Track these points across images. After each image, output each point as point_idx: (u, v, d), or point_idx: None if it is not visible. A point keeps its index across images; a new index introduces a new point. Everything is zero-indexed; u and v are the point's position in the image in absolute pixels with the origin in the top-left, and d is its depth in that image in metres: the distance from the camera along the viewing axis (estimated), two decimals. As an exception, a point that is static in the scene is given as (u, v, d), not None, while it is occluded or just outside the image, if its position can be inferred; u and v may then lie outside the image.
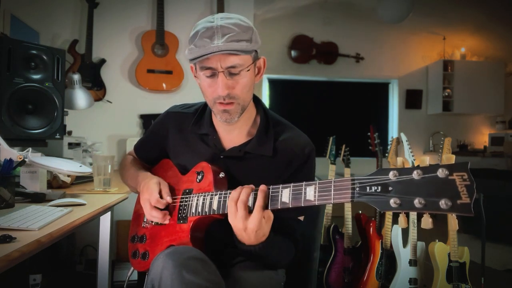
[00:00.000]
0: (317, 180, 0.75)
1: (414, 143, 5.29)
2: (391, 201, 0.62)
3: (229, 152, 1.05)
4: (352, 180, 0.68)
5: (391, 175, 0.63)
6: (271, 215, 0.85)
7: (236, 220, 0.84)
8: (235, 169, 1.02)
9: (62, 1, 2.95)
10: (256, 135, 1.05)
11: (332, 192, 0.71)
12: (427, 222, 0.66)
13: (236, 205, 0.83)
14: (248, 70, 0.97)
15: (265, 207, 0.82)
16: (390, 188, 0.63)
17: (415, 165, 2.12)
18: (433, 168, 0.60)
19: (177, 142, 1.13)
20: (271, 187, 0.83)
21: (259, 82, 5.33)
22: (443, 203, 0.57)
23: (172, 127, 1.14)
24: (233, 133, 1.07)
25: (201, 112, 1.13)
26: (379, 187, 0.64)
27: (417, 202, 0.60)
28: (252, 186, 0.85)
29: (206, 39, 0.92)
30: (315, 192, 0.73)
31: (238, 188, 0.85)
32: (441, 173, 0.59)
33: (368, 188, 0.65)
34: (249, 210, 0.83)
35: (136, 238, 1.09)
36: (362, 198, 0.66)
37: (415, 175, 0.61)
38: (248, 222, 0.82)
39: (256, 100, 1.12)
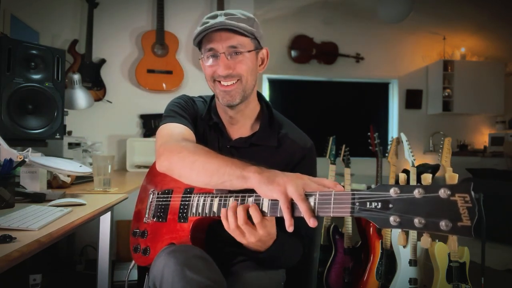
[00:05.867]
0: (317, 192, 0.73)
1: (414, 143, 5.28)
2: (391, 218, 0.61)
3: (235, 142, 1.09)
4: (353, 194, 0.67)
5: (392, 191, 0.62)
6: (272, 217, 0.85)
7: (246, 239, 0.83)
8: (240, 159, 1.02)
9: (62, 1, 2.95)
10: (260, 128, 1.09)
11: (332, 205, 0.70)
12: (426, 241, 0.65)
13: (239, 228, 0.81)
14: (250, 52, 1.02)
15: (263, 216, 0.80)
16: (390, 205, 0.62)
17: (415, 165, 2.14)
18: (435, 187, 0.59)
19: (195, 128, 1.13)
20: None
21: (259, 82, 5.34)
22: (443, 224, 0.57)
23: (196, 108, 1.15)
24: (237, 124, 1.11)
25: (210, 102, 1.16)
26: (380, 204, 0.63)
27: (417, 221, 0.59)
28: (245, 205, 0.81)
29: (209, 19, 1.01)
30: (315, 204, 0.72)
31: (231, 211, 0.82)
32: (442, 193, 0.58)
33: (368, 203, 0.65)
34: (252, 222, 0.82)
35: (137, 233, 1.09)
36: (361, 213, 0.66)
37: (416, 193, 0.60)
38: (258, 232, 0.81)
39: (259, 96, 1.16)
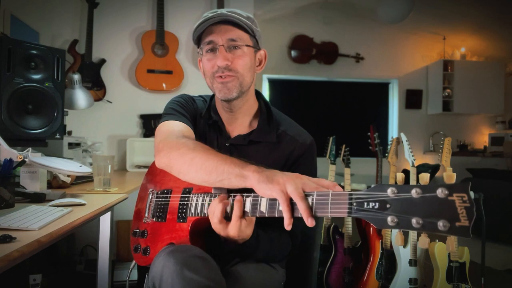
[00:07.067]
0: (315, 192, 0.72)
1: (414, 143, 5.29)
2: (389, 219, 0.61)
3: (234, 140, 1.10)
4: (350, 194, 0.67)
5: (389, 191, 0.62)
6: (253, 219, 0.86)
7: (216, 229, 0.85)
8: (239, 157, 1.02)
9: (62, 1, 2.95)
10: (259, 126, 1.10)
11: (330, 205, 0.69)
12: (424, 241, 0.64)
13: (213, 217, 0.84)
14: (248, 48, 1.04)
15: (243, 215, 0.82)
16: (388, 206, 0.61)
17: (415, 165, 2.13)
18: (433, 187, 0.58)
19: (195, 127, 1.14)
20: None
21: (259, 82, 5.35)
22: (441, 224, 0.56)
23: (196, 107, 1.17)
24: (236, 122, 1.12)
25: (210, 101, 1.18)
26: (377, 204, 0.62)
27: (414, 222, 0.58)
28: (227, 201, 0.84)
29: (209, 13, 1.03)
30: (312, 204, 0.72)
31: (216, 200, 0.85)
32: (440, 193, 0.57)
33: (365, 204, 0.64)
34: (229, 219, 0.84)
35: (137, 233, 1.09)
36: (359, 213, 0.65)
37: (414, 193, 0.59)
38: (228, 231, 0.83)
39: (258, 94, 1.17)
